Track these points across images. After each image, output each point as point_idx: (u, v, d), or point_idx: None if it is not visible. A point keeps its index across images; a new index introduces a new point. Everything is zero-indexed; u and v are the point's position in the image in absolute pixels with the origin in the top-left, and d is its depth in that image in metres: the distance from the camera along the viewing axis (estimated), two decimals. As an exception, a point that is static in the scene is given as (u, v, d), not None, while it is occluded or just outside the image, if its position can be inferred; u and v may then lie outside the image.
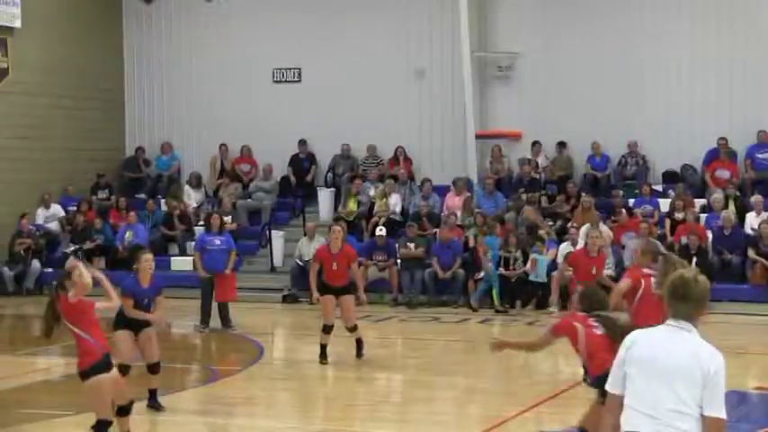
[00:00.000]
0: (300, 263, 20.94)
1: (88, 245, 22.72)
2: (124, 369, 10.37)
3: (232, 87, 25.12)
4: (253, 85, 25.01)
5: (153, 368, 11.10)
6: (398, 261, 20.65)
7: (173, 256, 22.82)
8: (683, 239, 19.58)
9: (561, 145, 22.87)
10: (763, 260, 19.05)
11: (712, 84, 21.83)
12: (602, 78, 22.49)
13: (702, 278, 5.31)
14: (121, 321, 10.83)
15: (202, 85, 25.47)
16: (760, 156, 21.41)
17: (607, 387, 5.37)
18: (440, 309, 19.73)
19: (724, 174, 21.32)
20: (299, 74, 24.95)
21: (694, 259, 19.01)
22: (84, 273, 8.70)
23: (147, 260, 10.85)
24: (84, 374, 8.74)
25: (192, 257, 19.09)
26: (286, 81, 25.05)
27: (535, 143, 23.07)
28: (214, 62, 25.34)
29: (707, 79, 21.88)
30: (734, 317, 18.24)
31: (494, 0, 23.53)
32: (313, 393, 13.19)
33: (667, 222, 20.46)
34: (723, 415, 5.13)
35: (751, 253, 19.33)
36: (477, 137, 23.30)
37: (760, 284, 18.83)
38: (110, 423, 8.94)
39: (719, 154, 21.55)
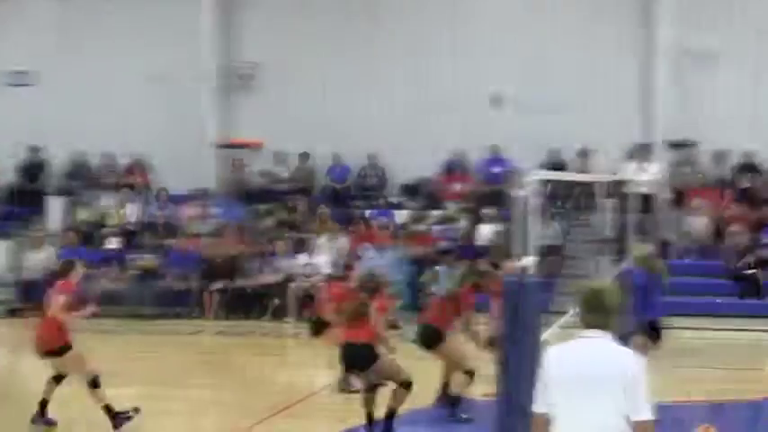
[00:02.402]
0: (28, 275, 19.99)
1: None
2: None
3: (-43, 90, 23.83)
4: (-20, 87, 23.83)
5: None
6: (132, 272, 20.09)
7: None
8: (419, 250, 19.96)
9: (303, 156, 22.90)
10: (494, 271, 19.53)
11: (448, 97, 22.36)
12: (343, 90, 22.67)
13: (611, 288, 5.36)
14: None
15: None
16: (492, 170, 22.11)
17: (533, 408, 5.28)
18: (175, 320, 19.34)
19: (458, 187, 21.89)
20: (33, 77, 23.93)
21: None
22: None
23: None
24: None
25: None
26: (18, 84, 23.98)
27: (277, 153, 23.02)
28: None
29: (442, 93, 22.39)
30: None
31: (236, 9, 23.36)
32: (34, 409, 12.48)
33: (404, 233, 20.78)
34: (650, 416, 5.08)
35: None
36: (218, 146, 23.08)
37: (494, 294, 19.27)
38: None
39: (454, 167, 22.14)
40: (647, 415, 5.09)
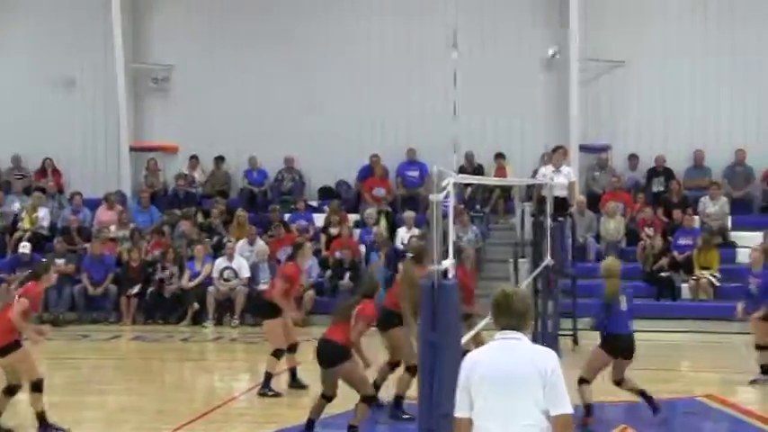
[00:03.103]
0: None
1: None
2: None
3: None
4: None
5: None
6: (46, 277, 19.67)
7: None
8: (338, 253, 19.94)
9: (219, 159, 22.72)
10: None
11: (365, 101, 22.37)
12: (259, 92, 22.53)
13: (522, 291, 5.50)
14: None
15: None
16: (409, 173, 22.17)
17: (455, 413, 5.32)
18: (90, 326, 19.05)
19: (380, 191, 21.89)
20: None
21: (348, 273, 19.45)
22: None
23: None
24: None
25: None
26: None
27: (192, 157, 22.82)
28: None
29: (360, 97, 22.38)
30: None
31: (148, 11, 23.14)
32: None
33: (323, 237, 20.77)
34: (569, 410, 5.18)
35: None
36: (132, 149, 22.82)
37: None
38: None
39: (373, 171, 22.14)
40: (566, 408, 5.20)
